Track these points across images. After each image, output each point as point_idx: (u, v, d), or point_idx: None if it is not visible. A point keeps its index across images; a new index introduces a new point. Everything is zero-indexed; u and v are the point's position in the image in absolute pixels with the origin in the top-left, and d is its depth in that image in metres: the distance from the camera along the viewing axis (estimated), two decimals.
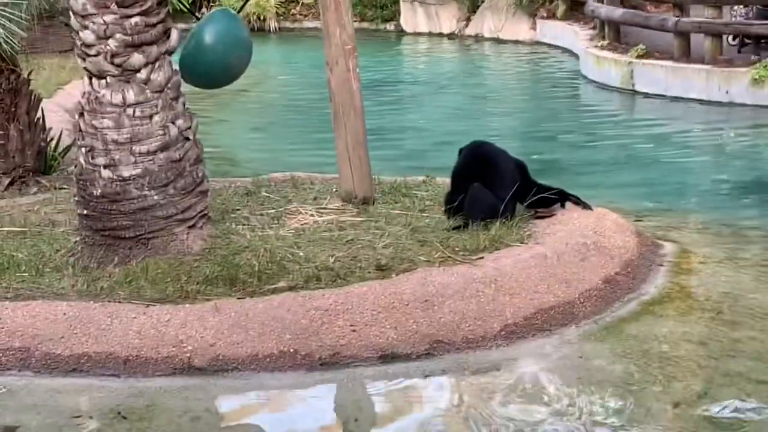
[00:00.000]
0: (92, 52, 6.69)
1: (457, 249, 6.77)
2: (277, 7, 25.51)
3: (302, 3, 26.19)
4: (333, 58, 7.70)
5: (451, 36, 23.34)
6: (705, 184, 10.66)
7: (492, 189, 7.16)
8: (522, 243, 6.87)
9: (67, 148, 10.10)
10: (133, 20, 6.68)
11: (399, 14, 24.48)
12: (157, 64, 6.79)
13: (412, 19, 24.18)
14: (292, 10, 26.16)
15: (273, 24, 25.42)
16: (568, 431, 5.13)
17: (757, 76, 13.55)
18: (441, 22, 23.61)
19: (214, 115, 14.23)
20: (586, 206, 7.54)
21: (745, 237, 8.35)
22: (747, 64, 14.10)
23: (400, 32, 24.33)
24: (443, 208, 7.49)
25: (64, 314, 6.05)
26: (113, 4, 6.64)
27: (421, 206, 7.73)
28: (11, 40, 9.00)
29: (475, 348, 6.00)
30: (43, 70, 14.72)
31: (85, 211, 6.85)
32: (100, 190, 6.74)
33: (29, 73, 9.83)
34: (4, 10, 8.94)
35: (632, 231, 7.48)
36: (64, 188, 9.00)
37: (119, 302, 6.18)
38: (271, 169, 9.77)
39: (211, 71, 7.53)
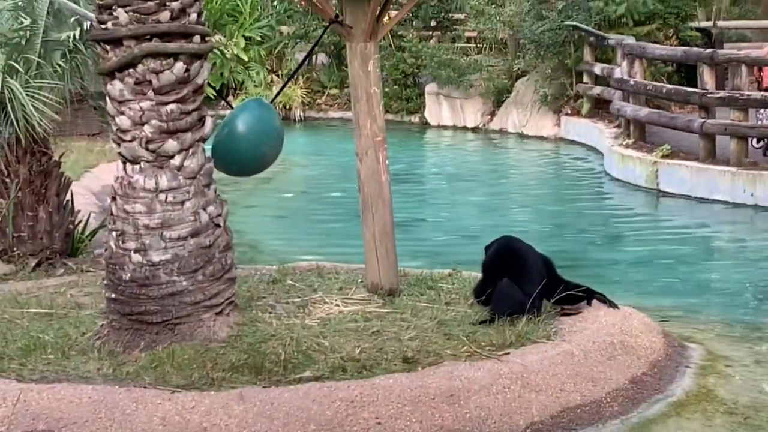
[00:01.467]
0: (127, 137, 6.78)
1: (483, 344, 6.76)
2: (303, 97, 25.76)
3: (328, 93, 26.44)
4: (363, 149, 7.79)
5: (475, 130, 23.50)
6: (730, 287, 10.63)
7: (520, 284, 7.19)
8: (549, 340, 6.87)
9: (94, 231, 10.19)
10: (169, 107, 6.77)
11: (424, 107, 24.68)
12: (191, 151, 6.88)
13: (436, 112, 24.37)
14: (318, 100, 26.40)
15: (298, 113, 25.65)
16: None
17: None
18: (465, 116, 23.78)
19: (239, 202, 14.31)
20: (612, 305, 7.54)
21: None
22: None
23: (425, 125, 24.50)
24: (473, 299, 7.53)
25: (89, 398, 6.05)
26: (150, 90, 6.74)
27: (447, 299, 7.74)
28: (44, 122, 9.14)
29: None
30: (71, 152, 14.89)
31: (113, 295, 6.89)
32: (129, 275, 6.79)
33: (60, 156, 9.94)
34: (40, 94, 9.09)
35: (658, 331, 7.47)
36: (91, 271, 9.07)
37: (144, 387, 6.18)
38: (295, 258, 9.84)
39: (242, 159, 7.61)
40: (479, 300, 7.48)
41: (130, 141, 6.79)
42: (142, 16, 6.72)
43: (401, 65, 24.71)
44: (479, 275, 7.72)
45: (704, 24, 22.46)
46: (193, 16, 6.89)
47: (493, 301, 7.25)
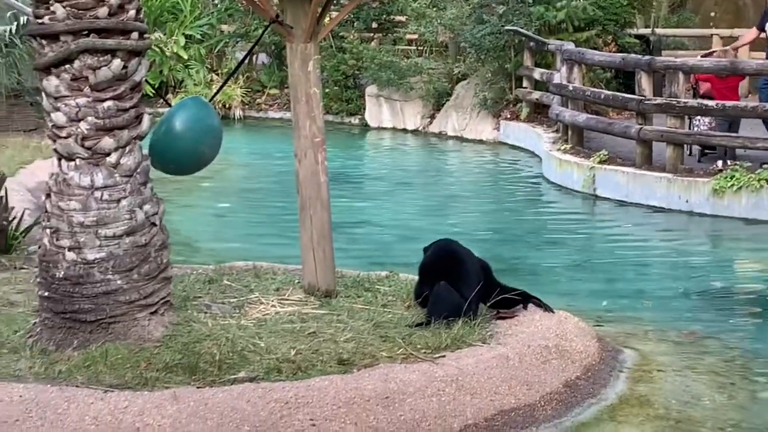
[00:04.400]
0: (63, 134, 6.72)
1: (419, 346, 6.77)
2: (242, 96, 25.67)
3: (268, 93, 26.37)
4: (302, 150, 7.76)
5: (415, 132, 23.55)
6: (663, 292, 10.72)
7: (457, 287, 7.21)
8: (484, 343, 6.90)
9: (29, 228, 10.05)
10: (106, 104, 6.72)
11: (364, 109, 24.70)
12: (127, 149, 6.82)
13: (376, 114, 24.40)
14: (258, 100, 26.32)
15: (238, 112, 25.57)
16: None
17: (717, 187, 13.74)
18: (405, 118, 23.83)
19: (176, 201, 14.22)
20: (547, 309, 7.59)
21: (702, 346, 8.38)
22: (708, 174, 14.31)
23: (365, 126, 24.53)
24: (413, 301, 7.55)
25: (20, 396, 5.99)
26: (87, 87, 6.68)
27: (383, 301, 7.74)
28: None
29: None
30: (6, 148, 14.72)
31: (46, 293, 6.81)
32: (63, 273, 6.71)
33: None
34: None
35: (593, 335, 7.51)
36: (24, 268, 8.95)
37: (77, 386, 6.12)
38: (232, 258, 9.78)
39: (180, 158, 7.54)
40: (418, 302, 7.50)
41: (65, 137, 6.72)
42: (80, 11, 6.66)
43: (342, 66, 24.71)
44: (416, 277, 7.74)
45: (643, 31, 22.71)
46: (132, 13, 6.84)
47: (429, 303, 7.27)
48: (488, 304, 7.41)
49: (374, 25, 26.57)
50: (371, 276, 8.46)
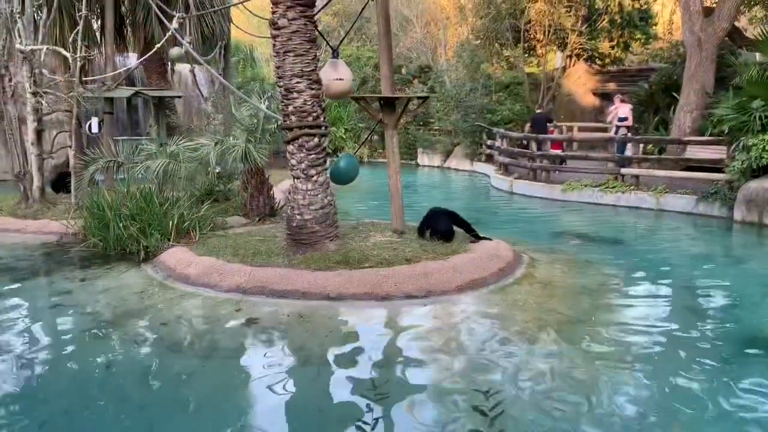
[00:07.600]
0: (296, 168, 6.75)
1: (439, 252, 6.73)
2: (368, 155, 25.30)
3: (378, 151, 25.90)
4: (394, 169, 7.64)
5: (439, 167, 22.98)
6: (542, 232, 10.42)
7: (441, 224, 7.08)
8: (465, 252, 6.81)
9: (282, 206, 10.13)
10: (311, 155, 6.71)
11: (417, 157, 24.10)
12: (321, 173, 6.84)
13: (428, 158, 23.83)
14: (375, 153, 25.85)
15: (365, 158, 25.20)
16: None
17: (565, 187, 13.23)
18: (433, 160, 23.29)
19: (338, 195, 13.97)
20: (489, 239, 7.39)
21: (557, 254, 8.14)
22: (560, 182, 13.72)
23: (417, 166, 24.00)
24: (418, 234, 7.35)
25: (279, 273, 6.10)
26: (304, 150, 6.68)
27: (426, 236, 7.57)
28: (262, 161, 9.11)
29: (441, 294, 5.97)
30: (272, 174, 14.64)
31: (288, 232, 6.89)
32: (295, 223, 6.79)
33: (268, 176, 9.91)
34: (260, 149, 9.04)
35: (511, 249, 7.36)
36: (279, 222, 9.05)
37: (302, 269, 6.23)
38: (363, 217, 9.72)
39: (342, 178, 7.53)
40: (421, 234, 7.32)
41: (296, 170, 6.78)
42: (301, 117, 6.69)
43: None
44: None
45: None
46: (322, 118, 6.75)
47: (438, 231, 7.16)
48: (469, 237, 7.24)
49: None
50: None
